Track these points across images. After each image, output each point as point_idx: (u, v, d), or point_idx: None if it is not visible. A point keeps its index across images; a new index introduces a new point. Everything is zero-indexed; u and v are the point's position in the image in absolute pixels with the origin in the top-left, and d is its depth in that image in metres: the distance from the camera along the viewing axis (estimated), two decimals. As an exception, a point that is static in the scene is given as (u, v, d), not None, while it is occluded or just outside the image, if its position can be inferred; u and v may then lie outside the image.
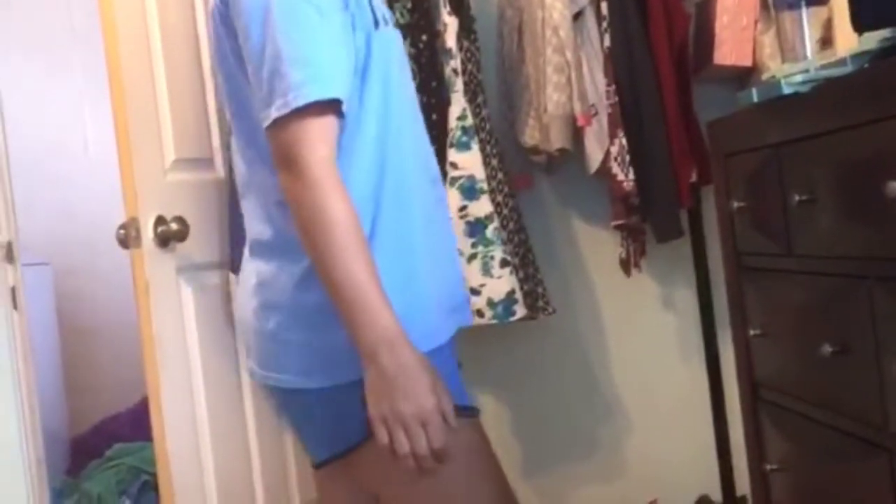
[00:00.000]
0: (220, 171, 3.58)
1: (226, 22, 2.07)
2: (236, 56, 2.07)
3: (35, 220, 4.61)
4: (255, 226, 2.18)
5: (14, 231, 3.93)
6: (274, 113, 1.93)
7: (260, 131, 2.01)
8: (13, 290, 3.91)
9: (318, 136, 1.94)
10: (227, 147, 3.56)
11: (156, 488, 3.66)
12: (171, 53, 3.41)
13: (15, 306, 3.92)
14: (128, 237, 3.28)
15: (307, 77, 1.92)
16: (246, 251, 2.26)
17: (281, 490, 3.72)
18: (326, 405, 2.10)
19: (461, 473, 2.07)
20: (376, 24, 2.07)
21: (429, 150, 2.22)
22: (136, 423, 4.91)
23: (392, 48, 2.12)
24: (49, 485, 4.12)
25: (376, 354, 1.92)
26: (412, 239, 2.09)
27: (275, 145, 1.97)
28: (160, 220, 3.28)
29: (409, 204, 2.09)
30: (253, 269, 2.19)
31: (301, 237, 1.95)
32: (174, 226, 3.29)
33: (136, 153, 3.26)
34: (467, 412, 2.10)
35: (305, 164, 1.93)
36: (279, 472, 3.72)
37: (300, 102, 1.92)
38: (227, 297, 3.56)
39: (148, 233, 3.25)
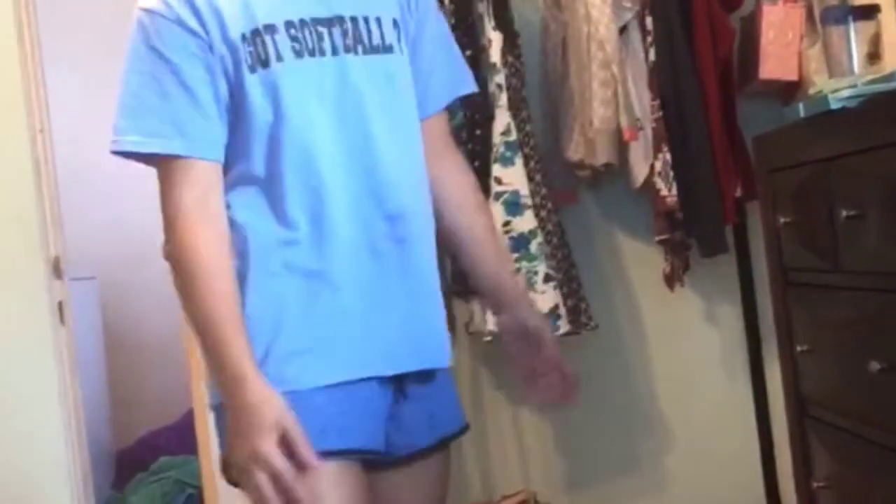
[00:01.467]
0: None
1: None
2: None
3: (82, 235, 4.65)
4: None
5: (62, 246, 3.97)
6: (111, 146, 2.00)
7: None
8: (60, 304, 3.95)
9: (176, 178, 1.97)
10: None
11: (200, 502, 3.68)
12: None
13: (62, 321, 3.95)
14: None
15: (127, 127, 1.98)
16: None
17: None
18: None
19: None
20: (264, 61, 1.98)
21: (387, 185, 2.05)
22: (180, 437, 4.93)
23: (296, 81, 2.00)
24: (95, 498, 4.15)
25: (224, 394, 1.92)
26: (323, 279, 2.00)
27: None
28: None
29: (326, 240, 2.01)
30: None
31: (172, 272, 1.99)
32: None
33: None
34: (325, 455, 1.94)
35: (165, 206, 1.98)
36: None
37: (114, 147, 1.99)
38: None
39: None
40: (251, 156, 1.99)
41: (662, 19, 3.57)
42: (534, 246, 3.56)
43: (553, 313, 3.54)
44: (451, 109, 3.62)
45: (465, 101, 3.61)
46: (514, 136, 3.58)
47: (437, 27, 2.23)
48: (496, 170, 3.59)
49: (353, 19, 2.04)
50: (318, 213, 1.99)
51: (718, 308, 3.98)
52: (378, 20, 2.07)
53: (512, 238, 3.56)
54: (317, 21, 2.02)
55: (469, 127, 3.67)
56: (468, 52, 3.63)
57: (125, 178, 5.43)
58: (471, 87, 2.30)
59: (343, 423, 1.98)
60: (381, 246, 2.03)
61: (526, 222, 3.56)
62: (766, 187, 2.92)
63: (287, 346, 1.98)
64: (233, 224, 2.00)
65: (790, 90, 3.60)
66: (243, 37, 1.97)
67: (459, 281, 3.75)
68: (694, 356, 4.01)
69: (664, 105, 3.57)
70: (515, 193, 3.57)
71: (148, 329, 5.51)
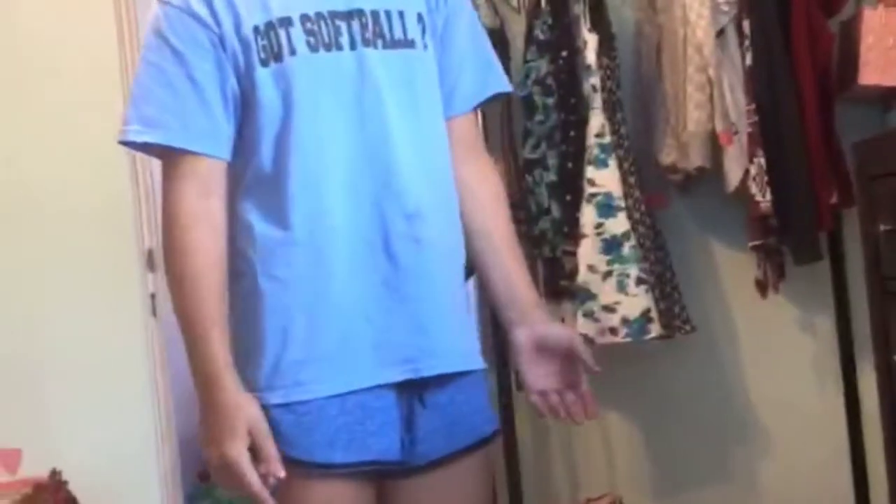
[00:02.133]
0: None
1: None
2: None
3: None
4: None
5: (155, 239, 4.00)
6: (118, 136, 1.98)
7: None
8: (153, 296, 3.99)
9: (177, 172, 1.94)
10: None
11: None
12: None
13: (154, 313, 3.99)
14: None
15: (132, 116, 1.95)
16: None
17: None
18: None
19: None
20: (277, 55, 1.93)
21: (406, 183, 1.97)
22: (266, 431, 4.95)
23: (310, 76, 1.94)
24: (182, 489, 4.19)
25: (199, 395, 1.89)
26: (319, 281, 1.94)
27: None
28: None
29: (332, 242, 1.94)
30: None
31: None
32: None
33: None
34: (307, 468, 1.90)
35: (164, 200, 1.96)
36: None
37: (119, 137, 1.97)
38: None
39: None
40: (260, 153, 1.94)
41: (760, 23, 3.54)
42: (626, 248, 3.54)
43: (644, 316, 3.52)
44: (546, 110, 3.67)
45: (559, 103, 3.61)
46: (608, 138, 3.57)
47: (469, 24, 2.14)
48: (589, 171, 3.57)
49: (374, 13, 1.98)
50: (324, 213, 1.93)
51: (811, 316, 3.94)
52: (401, 14, 1.99)
53: (604, 240, 3.55)
54: (335, 14, 1.96)
55: (563, 128, 3.66)
56: (563, 54, 3.63)
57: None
58: (503, 86, 2.21)
59: (354, 433, 1.91)
60: (398, 246, 1.95)
61: (618, 225, 3.54)
62: (865, 195, 2.88)
63: (296, 354, 1.92)
64: (242, 224, 1.96)
65: (890, 96, 3.56)
66: (256, 29, 1.92)
67: (549, 283, 3.75)
68: (786, 363, 3.97)
69: (760, 110, 3.53)
70: (608, 195, 3.56)
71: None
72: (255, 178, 1.96)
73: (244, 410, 1.86)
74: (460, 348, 2.06)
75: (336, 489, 1.91)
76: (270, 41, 1.93)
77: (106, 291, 3.93)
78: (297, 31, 1.93)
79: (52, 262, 3.88)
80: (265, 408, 1.88)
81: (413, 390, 1.98)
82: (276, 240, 1.93)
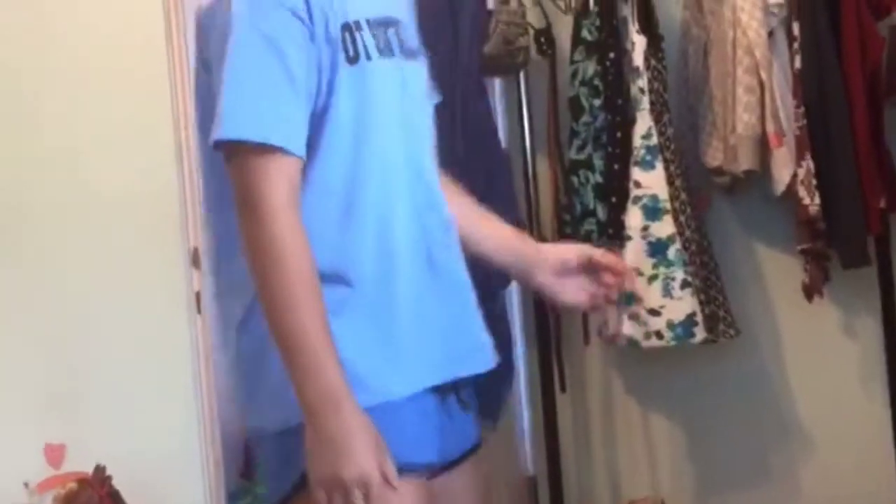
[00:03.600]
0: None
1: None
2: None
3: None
4: None
5: (200, 237, 4.02)
6: (213, 135, 1.86)
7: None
8: (198, 294, 4.00)
9: (276, 173, 1.83)
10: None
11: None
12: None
13: (199, 310, 4.00)
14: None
15: (231, 114, 1.85)
16: None
17: (452, 503, 3.73)
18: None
19: None
20: (354, 58, 1.91)
21: (437, 193, 2.02)
22: (307, 428, 4.97)
23: (379, 82, 1.93)
24: (224, 486, 4.20)
25: (316, 413, 1.79)
26: (389, 287, 1.93)
27: (232, 178, 1.88)
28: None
29: (390, 251, 1.93)
30: None
31: (253, 276, 1.85)
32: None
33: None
34: (406, 470, 1.87)
35: (251, 197, 1.83)
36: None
37: (215, 136, 1.85)
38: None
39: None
40: (328, 159, 1.90)
41: (810, 25, 3.52)
42: (672, 251, 3.53)
43: (689, 320, 3.51)
44: (592, 111, 3.66)
45: (606, 105, 3.60)
46: (654, 140, 3.56)
47: None
48: (636, 173, 3.57)
49: (400, 22, 2.00)
50: (387, 221, 1.93)
51: (858, 320, 3.91)
52: (407, 25, 2.02)
53: (649, 243, 3.54)
54: (383, 21, 1.96)
55: (609, 130, 3.65)
56: (611, 55, 3.62)
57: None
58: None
59: (417, 436, 1.93)
60: (437, 255, 1.98)
61: (664, 227, 3.54)
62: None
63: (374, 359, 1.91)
64: None
65: (941, 100, 3.53)
66: (342, 28, 1.89)
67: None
68: (831, 368, 3.94)
69: (809, 112, 3.52)
70: (654, 198, 3.55)
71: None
72: (314, 183, 1.90)
73: (371, 427, 1.82)
74: (490, 345, 2.10)
75: (416, 489, 1.91)
76: (347, 43, 1.90)
77: (151, 289, 3.94)
78: (367, 35, 1.92)
79: (99, 259, 3.90)
80: None
81: (447, 391, 1.99)
82: (375, 236, 1.91)
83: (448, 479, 2.02)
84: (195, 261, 4.01)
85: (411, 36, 2.01)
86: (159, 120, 3.88)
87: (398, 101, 1.96)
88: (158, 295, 3.94)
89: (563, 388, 3.99)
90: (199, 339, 4.01)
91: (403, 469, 1.85)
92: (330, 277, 1.87)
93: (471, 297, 2.06)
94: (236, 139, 1.84)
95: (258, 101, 1.85)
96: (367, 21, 1.93)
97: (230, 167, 1.87)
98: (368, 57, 1.91)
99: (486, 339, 2.09)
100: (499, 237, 2.22)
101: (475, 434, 2.10)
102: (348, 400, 1.80)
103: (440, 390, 1.98)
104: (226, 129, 1.84)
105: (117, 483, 3.70)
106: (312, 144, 1.89)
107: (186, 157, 3.99)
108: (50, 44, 3.80)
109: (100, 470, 3.60)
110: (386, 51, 1.94)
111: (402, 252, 1.94)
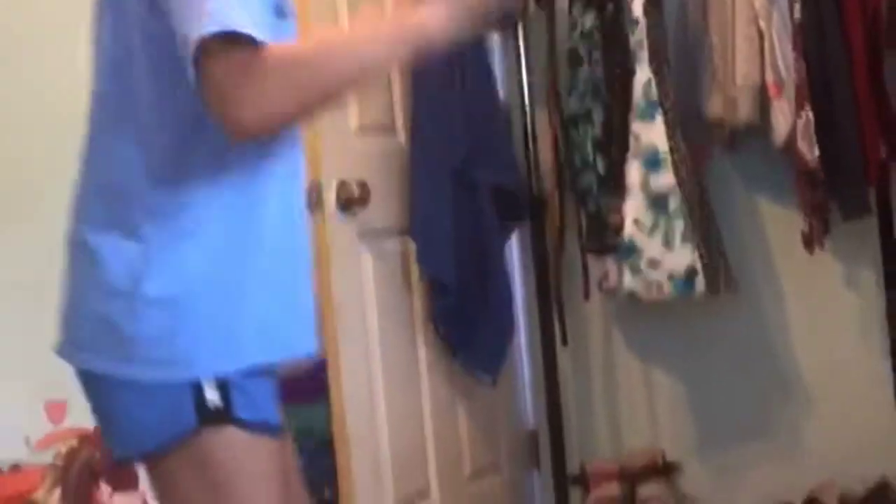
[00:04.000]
0: (402, 136, 3.59)
1: None
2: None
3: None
4: None
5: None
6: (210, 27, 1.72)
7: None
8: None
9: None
10: (410, 112, 3.58)
11: (328, 449, 3.70)
12: (352, 20, 3.44)
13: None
14: (310, 201, 3.31)
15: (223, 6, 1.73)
16: None
17: (452, 456, 3.74)
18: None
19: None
20: (282, 13, 1.89)
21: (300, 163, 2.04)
22: (308, 384, 4.97)
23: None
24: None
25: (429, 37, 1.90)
26: (258, 248, 1.93)
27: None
28: (342, 185, 3.30)
29: (262, 204, 1.93)
30: None
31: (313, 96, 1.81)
32: (356, 191, 3.31)
33: (321, 118, 3.30)
34: (262, 428, 1.93)
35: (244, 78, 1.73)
36: (452, 438, 3.74)
37: (215, 28, 1.71)
38: (406, 264, 3.58)
39: (331, 197, 3.28)
40: None
41: (810, -26, 3.50)
42: (672, 203, 3.52)
43: (689, 272, 3.50)
44: (591, 64, 3.64)
45: (605, 57, 3.58)
46: (654, 93, 3.54)
47: None
48: (635, 126, 3.55)
49: None
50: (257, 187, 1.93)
51: (858, 272, 3.90)
52: None
53: (650, 195, 3.53)
54: None
55: (608, 82, 3.63)
56: (609, 6, 3.60)
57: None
58: None
59: (269, 399, 2.00)
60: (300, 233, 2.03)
61: (665, 179, 3.53)
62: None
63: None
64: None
65: (942, 49, 3.51)
66: None
67: (594, 238, 3.74)
68: (832, 321, 3.94)
69: (808, 63, 3.50)
70: (654, 150, 3.54)
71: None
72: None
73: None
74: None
75: (269, 454, 1.95)
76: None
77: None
78: None
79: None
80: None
81: None
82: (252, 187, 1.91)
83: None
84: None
85: None
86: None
87: None
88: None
89: (564, 342, 3.99)
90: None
91: (269, 429, 1.92)
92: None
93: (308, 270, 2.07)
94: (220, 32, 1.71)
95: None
96: None
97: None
98: (286, 16, 1.91)
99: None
100: None
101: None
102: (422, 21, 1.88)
103: None
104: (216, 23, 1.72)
105: (118, 439, 3.71)
106: None
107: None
108: None
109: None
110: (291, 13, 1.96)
111: (269, 215, 1.93)
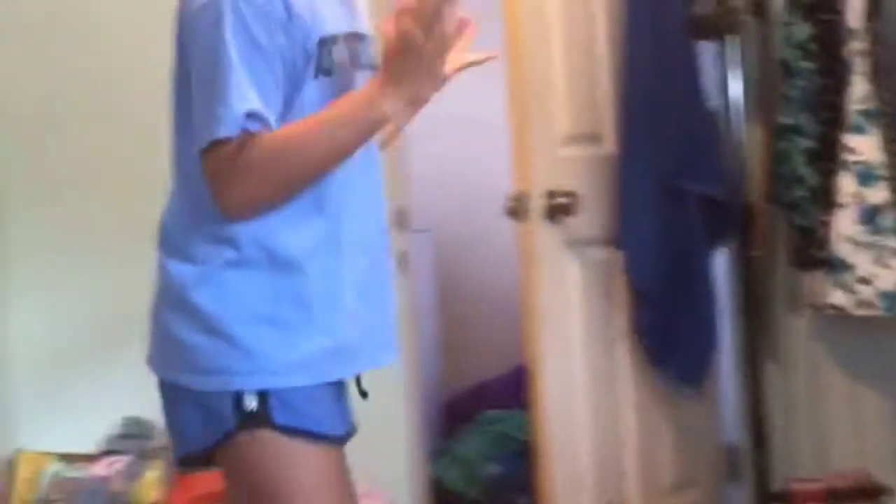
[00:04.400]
0: (610, 146, 3.59)
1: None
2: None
3: (420, 188, 4.74)
4: None
5: (407, 199, 4.07)
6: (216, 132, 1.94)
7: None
8: (403, 254, 4.05)
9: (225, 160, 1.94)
10: (619, 122, 3.57)
11: (527, 457, 3.72)
12: (569, 27, 3.45)
13: (403, 270, 4.05)
14: (517, 209, 3.34)
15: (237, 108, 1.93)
16: None
17: (651, 467, 3.72)
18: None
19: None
20: (325, 72, 2.03)
21: (380, 197, 2.19)
22: (509, 391, 5.00)
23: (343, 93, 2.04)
24: (426, 445, 4.26)
25: (381, 114, 1.94)
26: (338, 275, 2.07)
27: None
28: (550, 194, 3.34)
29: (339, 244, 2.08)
30: None
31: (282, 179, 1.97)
32: (563, 200, 3.34)
33: (530, 127, 3.33)
34: (324, 439, 2.05)
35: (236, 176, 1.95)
36: (652, 449, 3.72)
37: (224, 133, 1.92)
38: (612, 274, 3.58)
39: (537, 206, 3.31)
40: None
41: None
42: (885, 219, 3.43)
43: (900, 291, 3.43)
44: (805, 75, 3.58)
45: (820, 68, 3.52)
46: (870, 105, 3.46)
47: None
48: (849, 139, 3.47)
49: (362, 36, 2.12)
50: (341, 225, 2.06)
51: None
52: (371, 42, 2.15)
53: (862, 209, 3.45)
54: (353, 35, 2.09)
55: (823, 94, 3.56)
56: (826, 16, 3.53)
57: (462, 130, 5.54)
58: None
59: (333, 411, 2.09)
60: (376, 255, 2.14)
61: (877, 194, 3.44)
62: None
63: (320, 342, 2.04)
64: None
65: None
66: (319, 41, 2.00)
67: (802, 252, 3.67)
68: None
69: None
70: (867, 164, 3.45)
71: (480, 284, 5.60)
72: None
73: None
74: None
75: (331, 464, 2.07)
76: (323, 55, 2.02)
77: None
78: (340, 48, 2.04)
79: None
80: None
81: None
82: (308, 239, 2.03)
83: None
84: (401, 221, 4.06)
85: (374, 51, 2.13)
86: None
87: None
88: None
89: (769, 358, 3.93)
90: (405, 300, 4.06)
91: (326, 438, 2.04)
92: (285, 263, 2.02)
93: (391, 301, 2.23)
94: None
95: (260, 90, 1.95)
96: (344, 34, 2.06)
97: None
98: (335, 69, 2.04)
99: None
100: None
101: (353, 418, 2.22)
102: (368, 96, 1.95)
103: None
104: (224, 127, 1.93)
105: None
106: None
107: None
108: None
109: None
110: (355, 62, 2.08)
111: (348, 254, 2.07)
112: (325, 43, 2.01)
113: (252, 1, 1.92)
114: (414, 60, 1.91)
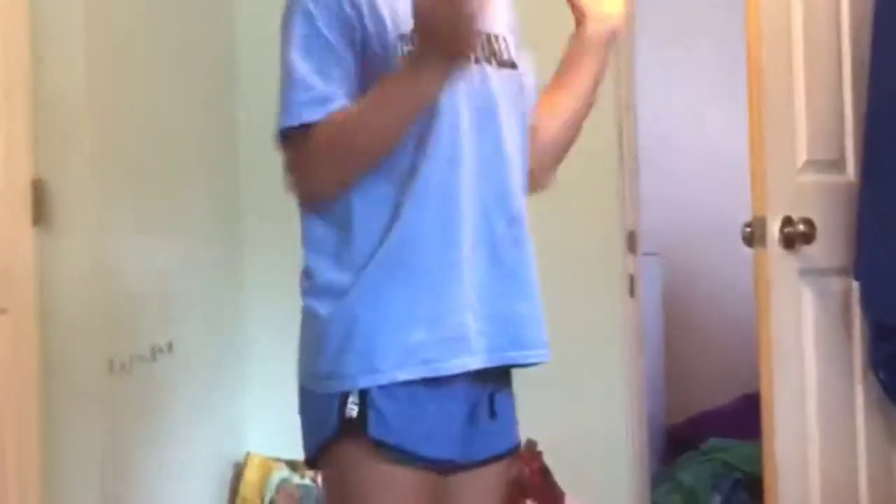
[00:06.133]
0: (852, 173, 3.50)
1: None
2: None
3: (648, 212, 4.70)
4: None
5: (636, 222, 4.06)
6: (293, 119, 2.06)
7: None
8: (631, 277, 4.03)
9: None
10: (863, 148, 3.48)
11: (748, 488, 3.66)
12: (812, 53, 3.39)
13: (631, 293, 4.04)
14: (753, 236, 3.29)
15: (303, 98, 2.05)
16: None
17: (885, 505, 3.61)
18: None
19: None
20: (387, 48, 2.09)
21: (510, 187, 2.17)
22: (732, 420, 4.93)
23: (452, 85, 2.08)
24: (648, 471, 4.23)
25: (431, 81, 1.99)
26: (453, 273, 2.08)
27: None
28: (787, 221, 3.28)
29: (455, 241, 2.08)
30: None
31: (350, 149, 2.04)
32: (801, 227, 3.29)
33: (769, 152, 3.28)
34: (420, 460, 2.04)
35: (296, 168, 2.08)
36: (886, 487, 3.60)
37: (298, 120, 2.03)
38: (848, 305, 3.49)
39: (774, 233, 3.27)
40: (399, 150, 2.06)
41: None
42: None
43: None
44: None
45: None
46: None
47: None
48: None
49: (488, 35, 2.17)
50: (455, 214, 2.08)
51: None
52: (505, 40, 2.22)
53: None
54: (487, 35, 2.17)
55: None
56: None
57: (692, 156, 5.49)
58: None
59: (434, 432, 2.07)
60: (502, 247, 2.13)
61: None
62: None
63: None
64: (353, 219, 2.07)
65: None
66: (399, 36, 2.06)
67: None
68: None
69: None
70: None
71: (708, 310, 5.54)
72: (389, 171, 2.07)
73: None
74: (544, 341, 2.21)
75: (420, 479, 2.06)
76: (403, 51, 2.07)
77: (587, 271, 4.00)
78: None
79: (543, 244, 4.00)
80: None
81: (485, 386, 2.12)
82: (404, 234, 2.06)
83: (469, 477, 2.14)
84: (630, 244, 4.05)
85: (506, 49, 2.21)
86: (602, 106, 3.94)
87: (474, 99, 2.12)
88: (594, 277, 4.00)
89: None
90: (632, 323, 4.05)
91: (413, 459, 2.02)
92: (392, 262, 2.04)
93: (535, 291, 2.20)
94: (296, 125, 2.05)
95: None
96: None
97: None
98: None
99: (542, 333, 2.20)
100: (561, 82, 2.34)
101: (508, 441, 2.21)
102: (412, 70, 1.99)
103: (472, 382, 2.09)
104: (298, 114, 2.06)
105: (547, 459, 3.79)
106: None
107: (627, 145, 4.03)
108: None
109: (531, 444, 3.68)
110: None
111: (462, 245, 2.07)
112: (405, 39, 2.06)
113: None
114: (444, 21, 1.93)
